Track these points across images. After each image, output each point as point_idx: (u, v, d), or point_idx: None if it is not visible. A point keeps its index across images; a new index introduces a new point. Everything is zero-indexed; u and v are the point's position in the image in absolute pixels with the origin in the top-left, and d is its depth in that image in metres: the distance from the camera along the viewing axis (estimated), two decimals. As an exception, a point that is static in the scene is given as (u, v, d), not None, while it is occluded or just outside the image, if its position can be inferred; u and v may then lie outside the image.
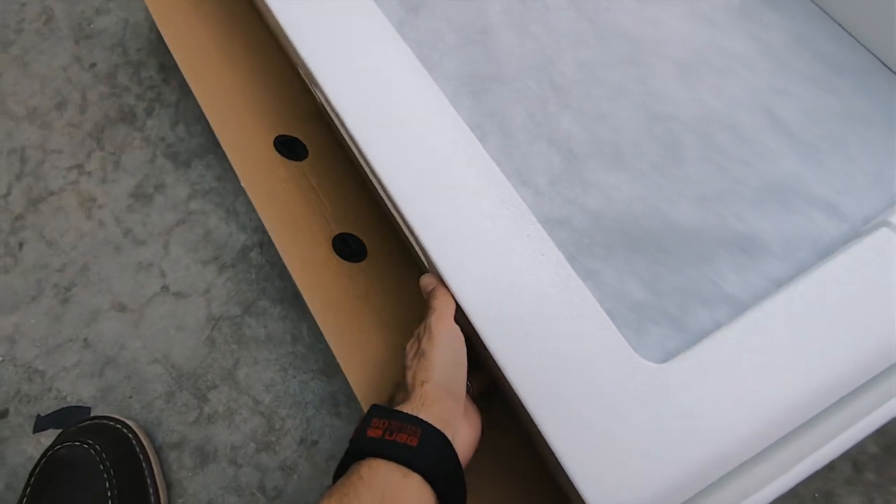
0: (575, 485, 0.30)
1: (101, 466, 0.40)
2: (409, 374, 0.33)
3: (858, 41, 0.43)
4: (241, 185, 0.45)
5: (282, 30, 0.43)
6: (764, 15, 0.44)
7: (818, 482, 0.44)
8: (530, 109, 0.43)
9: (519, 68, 0.44)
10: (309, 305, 0.42)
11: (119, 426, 0.43)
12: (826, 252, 0.36)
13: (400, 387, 0.35)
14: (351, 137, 0.40)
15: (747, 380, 0.31)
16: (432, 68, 0.44)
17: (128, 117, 0.57)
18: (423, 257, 0.38)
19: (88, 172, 0.54)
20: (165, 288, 0.50)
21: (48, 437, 0.44)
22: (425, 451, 0.28)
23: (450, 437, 0.29)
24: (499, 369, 0.33)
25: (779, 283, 0.36)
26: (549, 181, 0.41)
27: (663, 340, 0.36)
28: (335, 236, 0.47)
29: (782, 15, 0.44)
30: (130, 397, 0.46)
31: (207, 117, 0.48)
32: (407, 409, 0.30)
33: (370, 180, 0.43)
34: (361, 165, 0.43)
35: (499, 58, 0.45)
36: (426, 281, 0.37)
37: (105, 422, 0.43)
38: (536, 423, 0.31)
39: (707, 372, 0.31)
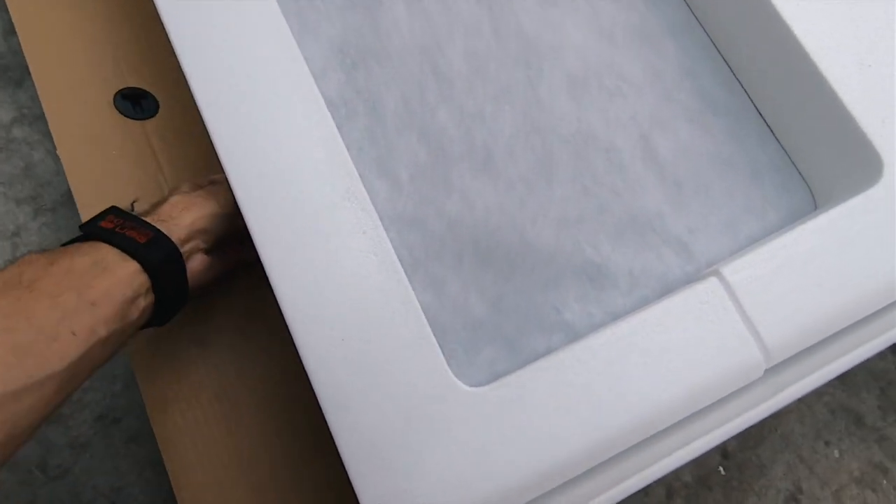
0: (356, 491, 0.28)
1: None
2: (186, 189, 0.35)
3: (740, 84, 0.43)
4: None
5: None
6: (661, 41, 0.44)
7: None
8: (406, 94, 0.40)
9: (403, 47, 0.41)
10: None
11: None
12: (667, 291, 0.36)
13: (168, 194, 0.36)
14: (189, 85, 0.35)
15: (560, 411, 0.30)
16: (306, 30, 0.40)
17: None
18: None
19: None
20: (-37, 225, 0.42)
21: None
22: (150, 248, 0.29)
23: (185, 254, 0.32)
24: (304, 366, 0.30)
25: (616, 317, 0.36)
26: (411, 176, 0.38)
27: (493, 362, 0.34)
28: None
29: (678, 44, 0.44)
30: None
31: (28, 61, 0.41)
32: (149, 218, 0.31)
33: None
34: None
35: (384, 31, 0.41)
36: None
37: None
38: (332, 430, 0.29)
39: (519, 401, 0.30)
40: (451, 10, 0.42)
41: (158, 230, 0.31)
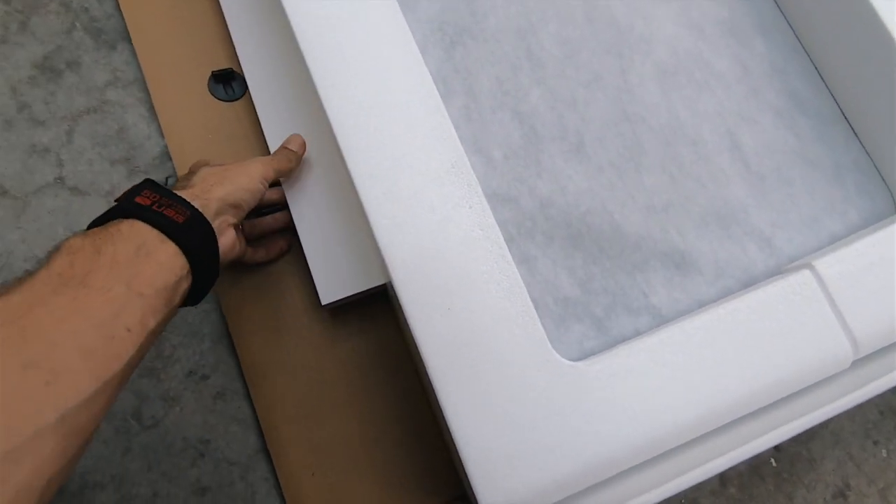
0: (464, 463, 0.29)
1: None
2: (215, 163, 0.35)
3: (827, 86, 0.43)
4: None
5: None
6: (750, 37, 0.44)
7: (687, 490, 0.47)
8: (501, 75, 0.40)
9: (498, 28, 0.41)
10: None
11: None
12: (750, 282, 0.37)
13: (196, 167, 0.35)
14: (302, 61, 0.36)
15: (652, 391, 0.31)
16: (408, 8, 0.41)
17: (47, -27, 0.49)
18: (356, 208, 0.35)
19: (-14, 26, 0.46)
20: (60, 180, 0.43)
21: None
22: (188, 230, 0.29)
23: (216, 229, 0.31)
24: (413, 339, 0.31)
25: (701, 304, 0.37)
26: (505, 155, 0.39)
27: (582, 339, 0.35)
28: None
29: (766, 41, 0.44)
30: None
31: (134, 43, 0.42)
32: (184, 192, 0.31)
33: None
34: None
35: (481, 11, 0.41)
36: (298, 140, 0.39)
37: None
38: (439, 398, 0.30)
39: (616, 378, 0.31)
40: (546, -5, 0.43)
41: (195, 208, 0.30)
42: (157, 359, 0.41)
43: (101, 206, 0.43)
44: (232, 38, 0.44)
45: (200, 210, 0.30)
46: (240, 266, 0.41)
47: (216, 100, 0.45)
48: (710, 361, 0.32)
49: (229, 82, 0.45)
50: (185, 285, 0.29)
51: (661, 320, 0.36)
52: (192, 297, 0.30)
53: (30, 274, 0.24)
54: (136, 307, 0.25)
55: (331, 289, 0.38)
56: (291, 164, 0.38)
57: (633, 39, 0.43)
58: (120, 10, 0.49)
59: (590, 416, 0.30)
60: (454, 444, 0.30)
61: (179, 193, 0.30)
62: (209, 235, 0.30)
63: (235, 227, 0.34)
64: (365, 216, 0.33)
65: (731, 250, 0.38)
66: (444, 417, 0.30)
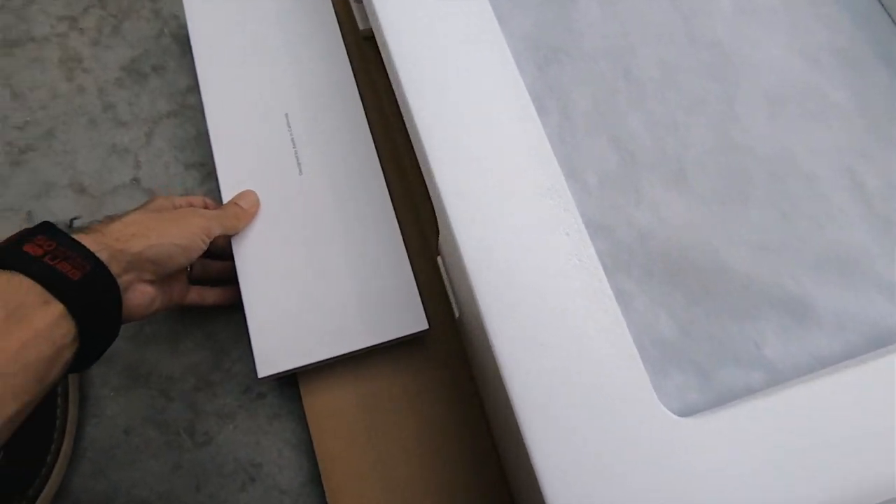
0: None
1: None
2: (155, 207, 0.32)
3: (964, 124, 0.39)
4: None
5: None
6: (870, 66, 0.40)
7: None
8: (597, 96, 0.38)
9: (595, 47, 0.39)
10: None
11: None
12: (879, 341, 0.33)
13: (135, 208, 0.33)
14: (392, 68, 0.34)
15: (774, 465, 0.27)
16: (501, 22, 0.39)
17: (142, -19, 0.50)
18: (443, 237, 0.32)
19: (81, 29, 0.47)
20: (136, 181, 0.43)
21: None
22: (84, 287, 0.25)
23: (123, 286, 0.27)
24: (499, 373, 0.28)
25: (822, 361, 0.32)
26: (600, 181, 0.36)
27: (684, 389, 0.31)
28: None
29: (889, 70, 0.40)
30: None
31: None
32: (92, 239, 0.27)
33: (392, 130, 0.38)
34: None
35: (577, 29, 0.39)
36: (252, 197, 0.38)
37: None
38: (524, 437, 0.27)
39: (731, 443, 0.27)
40: (644, 15, 0.40)
41: (97, 259, 0.26)
42: (215, 371, 0.39)
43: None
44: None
45: (106, 262, 0.26)
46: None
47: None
48: (844, 434, 0.27)
49: None
50: (68, 354, 0.25)
51: (776, 375, 0.32)
52: (80, 362, 0.26)
53: None
54: None
55: (269, 361, 0.35)
56: (240, 223, 0.36)
57: (739, 64, 0.40)
58: (207, 19, 0.49)
59: (697, 482, 0.26)
60: (535, 489, 0.26)
61: (83, 240, 0.26)
62: (110, 293, 0.26)
63: (154, 282, 0.30)
64: (453, 238, 0.31)
65: (854, 301, 0.34)
66: (522, 455, 0.27)
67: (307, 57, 0.45)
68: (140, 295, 0.29)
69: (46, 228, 0.26)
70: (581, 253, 0.30)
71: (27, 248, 0.24)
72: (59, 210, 0.41)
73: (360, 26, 0.49)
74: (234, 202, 0.37)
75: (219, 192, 0.38)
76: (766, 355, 0.32)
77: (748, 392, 0.31)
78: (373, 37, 0.50)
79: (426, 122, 0.32)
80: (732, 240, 0.35)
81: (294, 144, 0.42)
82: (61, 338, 0.24)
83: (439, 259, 0.41)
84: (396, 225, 0.40)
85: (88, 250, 0.25)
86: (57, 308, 0.24)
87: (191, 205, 0.36)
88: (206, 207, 0.37)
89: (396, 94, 0.36)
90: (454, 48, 0.34)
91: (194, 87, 0.47)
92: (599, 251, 0.34)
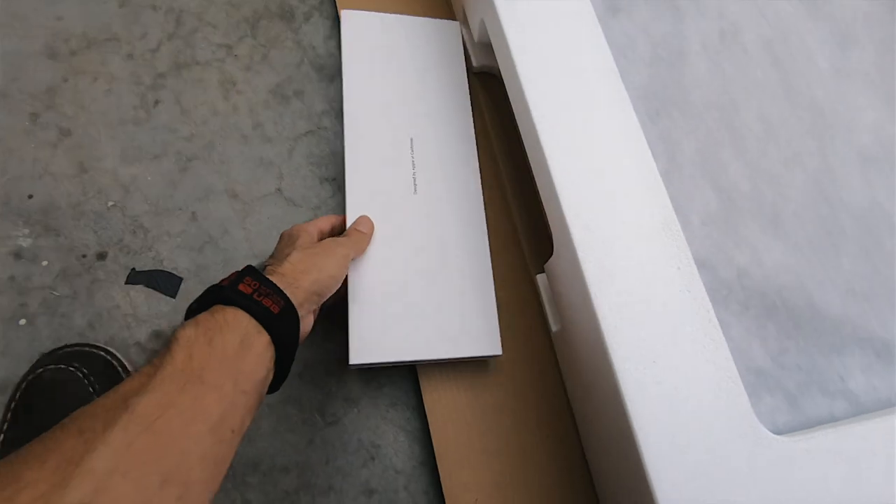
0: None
1: (91, 390, 0.38)
2: (304, 243, 0.36)
3: None
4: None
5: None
6: (961, 132, 0.43)
7: None
8: (702, 147, 0.42)
9: (702, 102, 0.44)
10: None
11: (108, 356, 0.40)
12: (959, 385, 0.36)
13: (287, 244, 0.37)
14: (524, 109, 0.39)
15: (863, 483, 0.30)
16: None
17: (286, 16, 0.57)
18: (558, 260, 0.37)
19: (236, 55, 0.54)
20: (279, 191, 0.50)
21: (137, 292, 0.45)
22: (281, 321, 0.29)
23: (300, 319, 0.31)
24: (613, 384, 0.33)
25: (903, 398, 0.36)
26: (703, 221, 0.40)
27: (774, 412, 0.35)
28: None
29: (980, 139, 0.43)
30: (221, 283, 0.46)
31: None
32: (278, 278, 0.32)
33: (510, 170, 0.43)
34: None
35: (686, 85, 0.44)
36: (369, 223, 0.43)
37: (93, 350, 0.41)
38: (638, 442, 0.31)
39: (823, 461, 0.31)
40: (747, 74, 0.45)
41: (288, 298, 0.30)
42: (343, 361, 0.45)
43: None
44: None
45: (291, 299, 0.30)
46: None
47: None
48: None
49: None
50: (271, 377, 0.29)
51: (859, 407, 0.35)
52: (272, 386, 0.30)
53: (155, 365, 0.25)
54: (240, 406, 0.26)
55: (361, 352, 0.40)
56: (365, 247, 0.41)
57: (835, 123, 0.43)
58: (339, 51, 0.56)
59: (792, 494, 0.30)
60: (644, 494, 0.31)
61: (273, 280, 0.31)
62: (295, 326, 0.30)
63: (315, 309, 0.35)
64: (575, 262, 0.35)
65: (936, 347, 0.37)
66: (631, 462, 0.31)
67: (435, 88, 0.51)
68: (308, 323, 0.34)
69: (251, 272, 0.31)
70: (691, 286, 0.34)
71: (241, 287, 0.29)
72: (216, 211, 0.48)
73: (474, 63, 0.55)
74: (356, 228, 0.42)
75: (344, 205, 0.44)
76: (850, 387, 0.36)
77: (832, 419, 0.35)
78: (483, 72, 0.56)
79: (557, 162, 0.38)
80: (824, 284, 0.38)
81: (413, 166, 0.48)
82: (269, 360, 0.28)
83: (540, 278, 0.46)
84: (488, 252, 0.45)
85: (280, 289, 0.30)
86: (265, 337, 0.28)
87: (321, 232, 0.40)
88: (332, 229, 0.42)
89: (525, 133, 0.41)
90: (584, 99, 0.39)
91: (328, 111, 0.53)
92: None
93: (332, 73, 0.55)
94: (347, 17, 0.52)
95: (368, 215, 0.44)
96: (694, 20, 0.45)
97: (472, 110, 0.52)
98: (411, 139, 0.48)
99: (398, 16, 0.54)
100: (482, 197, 0.47)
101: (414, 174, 0.47)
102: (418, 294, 0.43)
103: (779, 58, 0.45)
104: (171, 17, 0.55)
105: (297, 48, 0.56)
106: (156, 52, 0.53)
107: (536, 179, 0.41)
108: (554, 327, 0.45)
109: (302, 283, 0.32)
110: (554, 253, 0.41)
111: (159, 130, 0.50)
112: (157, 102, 0.51)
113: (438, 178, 0.47)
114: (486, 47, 0.54)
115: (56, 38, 0.52)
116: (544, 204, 0.41)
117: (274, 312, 0.29)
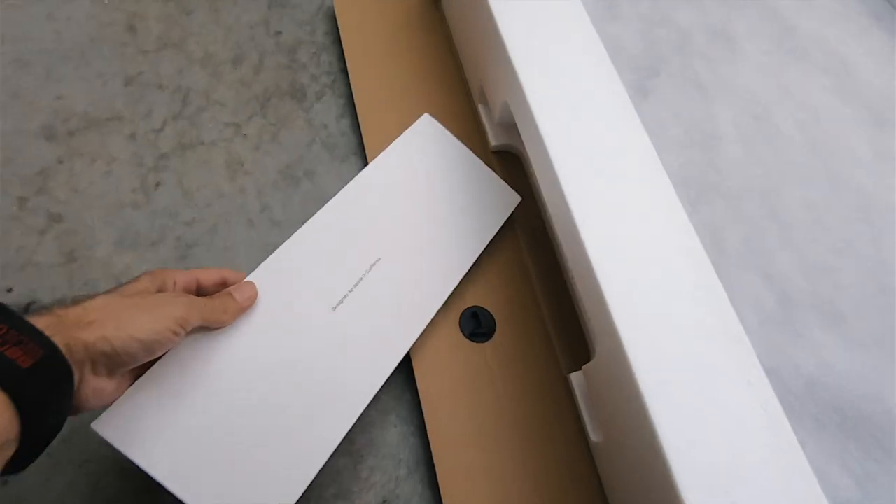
0: None
1: None
2: (135, 289, 0.29)
3: None
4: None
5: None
6: None
7: None
8: (747, 236, 0.39)
9: (742, 188, 0.41)
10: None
11: None
12: None
13: (119, 286, 0.30)
14: (558, 196, 0.36)
15: None
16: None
17: (297, 94, 0.55)
18: (603, 365, 0.33)
19: (244, 135, 0.52)
20: (287, 280, 0.46)
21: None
22: (34, 377, 0.22)
23: (77, 377, 0.24)
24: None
25: None
26: (760, 321, 0.36)
27: (871, 555, 0.30)
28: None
29: None
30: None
31: (366, 146, 0.46)
32: (48, 322, 0.24)
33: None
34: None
35: (723, 170, 0.42)
36: (250, 291, 0.35)
37: None
38: None
39: None
40: (785, 157, 0.43)
41: (53, 346, 0.23)
42: (354, 481, 0.39)
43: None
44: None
45: (63, 348, 0.23)
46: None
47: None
48: None
49: (478, 318, 0.45)
50: (9, 452, 0.22)
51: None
52: (17, 463, 0.23)
53: None
54: None
55: (121, 429, 0.30)
56: (226, 317, 0.32)
57: (882, 208, 0.41)
58: (352, 130, 0.54)
59: None
60: None
61: (39, 323, 0.23)
62: (62, 384, 0.23)
63: (112, 375, 0.27)
64: (628, 371, 0.31)
65: None
66: None
67: (452, 233, 0.45)
68: (92, 390, 0.26)
69: (1, 310, 0.23)
70: (766, 404, 0.30)
71: None
72: (216, 303, 0.44)
73: (493, 142, 0.53)
74: (228, 292, 0.33)
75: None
76: (956, 523, 0.31)
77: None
78: (500, 151, 0.54)
79: (598, 252, 0.34)
80: (901, 391, 0.34)
81: (355, 286, 0.40)
82: (5, 428, 0.21)
83: (575, 377, 0.42)
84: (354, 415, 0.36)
85: (44, 335, 0.23)
86: (1, 398, 0.21)
87: (189, 284, 0.32)
88: (210, 286, 0.34)
89: (557, 219, 0.38)
90: (623, 183, 0.37)
91: (339, 187, 0.51)
92: (767, 395, 0.34)
93: (344, 153, 0.53)
94: (425, 122, 0.48)
95: (260, 288, 0.35)
96: (724, 103, 0.44)
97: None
98: (378, 259, 0.41)
99: (466, 149, 0.49)
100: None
101: (349, 293, 0.39)
102: (247, 423, 0.32)
103: (815, 141, 0.43)
104: (177, 95, 0.53)
105: (309, 127, 0.54)
106: (160, 132, 0.51)
107: (571, 269, 0.38)
108: (594, 437, 0.40)
109: (85, 335, 0.25)
110: (595, 356, 0.37)
111: (158, 214, 0.47)
112: (157, 184, 0.48)
113: (373, 316, 0.39)
114: (507, 127, 0.52)
115: (55, 118, 0.49)
116: (581, 296, 0.37)
117: (20, 365, 0.22)
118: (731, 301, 0.37)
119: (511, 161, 0.53)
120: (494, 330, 0.44)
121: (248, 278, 0.36)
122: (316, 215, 0.41)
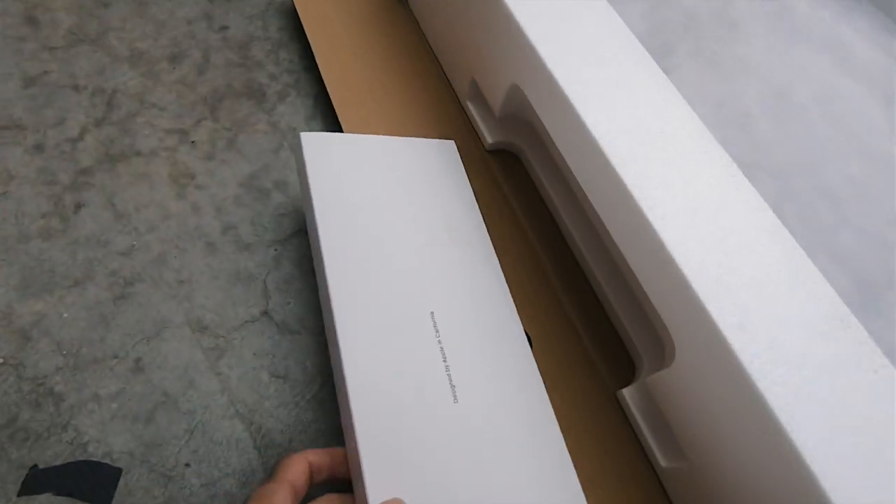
0: None
1: None
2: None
3: None
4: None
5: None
6: None
7: None
8: (802, 213, 0.36)
9: (784, 164, 0.38)
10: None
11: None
12: None
13: None
14: (609, 176, 0.31)
15: None
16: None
17: (255, 95, 0.46)
18: (697, 372, 0.26)
19: (192, 142, 0.42)
20: (267, 314, 0.36)
21: (41, 507, 0.27)
22: None
23: None
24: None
25: None
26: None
27: None
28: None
29: None
30: (188, 465, 0.30)
31: None
32: None
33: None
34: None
35: (760, 146, 0.38)
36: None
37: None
38: None
39: None
40: (814, 133, 0.40)
41: None
42: None
43: (315, 345, 0.35)
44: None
45: None
46: None
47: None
48: None
49: None
50: None
51: None
52: None
53: None
54: None
55: None
56: None
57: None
58: (326, 131, 0.46)
59: None
60: None
61: None
62: None
63: None
64: (742, 375, 0.25)
65: None
66: None
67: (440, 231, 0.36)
68: None
69: None
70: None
71: None
72: (174, 355, 0.33)
73: (489, 140, 0.47)
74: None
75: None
76: None
77: None
78: (499, 150, 0.48)
79: (680, 247, 0.29)
80: None
81: (443, 356, 0.30)
82: None
83: (627, 393, 0.35)
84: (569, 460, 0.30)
85: None
86: None
87: (313, 470, 0.26)
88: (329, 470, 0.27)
89: (610, 205, 0.32)
90: (681, 162, 0.32)
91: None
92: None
93: (319, 160, 0.44)
94: (308, 141, 0.36)
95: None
96: (744, 82, 0.41)
97: (492, 195, 0.43)
98: (431, 313, 0.32)
99: (374, 137, 0.39)
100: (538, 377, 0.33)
101: (447, 369, 0.30)
102: None
103: (836, 117, 0.41)
104: (99, 98, 0.42)
105: (274, 131, 0.45)
106: (77, 142, 0.40)
107: (633, 267, 0.32)
108: (664, 462, 0.33)
109: None
110: (675, 360, 0.31)
111: (82, 244, 0.35)
112: (78, 207, 0.37)
113: (479, 369, 0.31)
114: (509, 122, 0.46)
115: (-78, 129, 0.37)
116: (649, 294, 0.31)
117: None
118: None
119: (510, 162, 0.48)
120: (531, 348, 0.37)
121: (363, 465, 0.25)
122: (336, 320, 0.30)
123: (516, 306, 0.35)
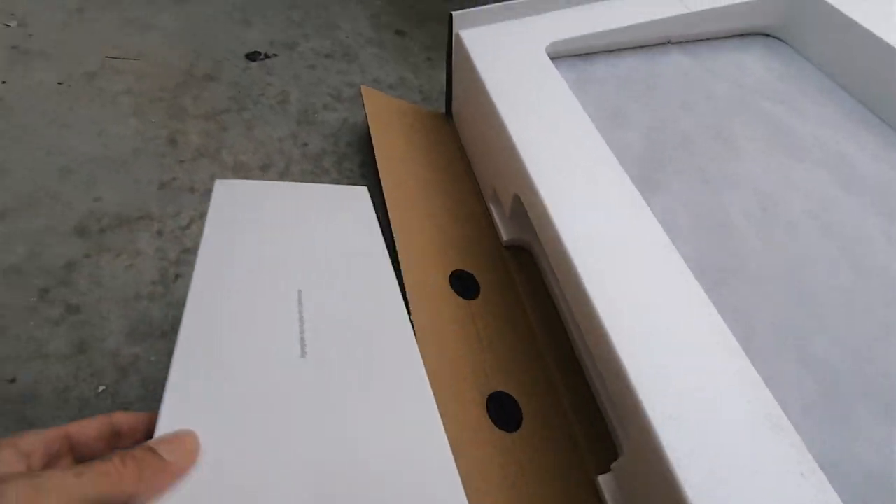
0: None
1: None
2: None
3: None
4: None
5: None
6: None
7: None
8: (776, 318, 0.38)
9: (762, 271, 0.41)
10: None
11: None
12: None
13: None
14: (576, 287, 0.36)
15: None
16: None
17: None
18: (635, 467, 0.29)
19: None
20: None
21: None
22: None
23: None
24: None
25: None
26: (804, 407, 0.33)
27: None
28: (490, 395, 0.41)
29: None
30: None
31: (395, 239, 0.48)
32: None
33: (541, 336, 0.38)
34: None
35: (740, 255, 0.42)
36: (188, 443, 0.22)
37: None
38: None
39: None
40: (802, 242, 0.43)
41: None
42: None
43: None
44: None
45: None
46: None
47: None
48: None
49: (466, 283, 0.47)
50: None
51: None
52: None
53: None
54: None
55: None
56: (151, 486, 0.20)
57: (912, 292, 0.40)
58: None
59: None
60: None
61: None
62: None
63: None
64: (670, 474, 0.28)
65: None
66: None
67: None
68: None
69: None
70: (826, 499, 0.26)
71: None
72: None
73: (504, 237, 0.54)
74: (150, 448, 0.21)
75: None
76: None
77: None
78: (514, 246, 0.55)
79: (624, 343, 0.33)
80: (984, 491, 0.30)
81: (301, 328, 0.28)
82: None
83: (603, 480, 0.37)
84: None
85: None
86: None
87: (48, 453, 0.21)
88: (106, 439, 0.22)
89: (578, 311, 0.37)
90: (642, 272, 0.36)
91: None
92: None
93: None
94: (220, 187, 0.36)
95: (196, 428, 0.22)
96: (730, 195, 0.45)
97: (507, 285, 0.49)
98: (300, 290, 0.29)
99: (286, 184, 0.41)
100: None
101: (302, 335, 0.27)
102: None
103: (828, 228, 0.43)
104: (207, 197, 0.56)
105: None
106: (186, 229, 0.53)
107: (595, 362, 0.36)
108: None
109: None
110: (623, 453, 0.34)
111: (174, 306, 0.47)
112: (177, 277, 0.49)
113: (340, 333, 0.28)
114: (519, 221, 0.54)
115: (89, 217, 0.52)
116: (605, 391, 0.35)
117: None
118: (776, 392, 0.35)
119: (523, 256, 0.54)
120: (521, 420, 0.41)
121: (165, 403, 0.23)
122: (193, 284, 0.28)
123: (511, 384, 0.39)
